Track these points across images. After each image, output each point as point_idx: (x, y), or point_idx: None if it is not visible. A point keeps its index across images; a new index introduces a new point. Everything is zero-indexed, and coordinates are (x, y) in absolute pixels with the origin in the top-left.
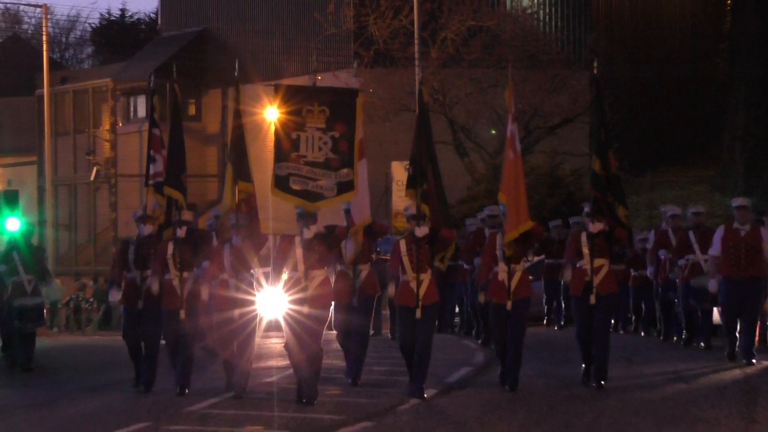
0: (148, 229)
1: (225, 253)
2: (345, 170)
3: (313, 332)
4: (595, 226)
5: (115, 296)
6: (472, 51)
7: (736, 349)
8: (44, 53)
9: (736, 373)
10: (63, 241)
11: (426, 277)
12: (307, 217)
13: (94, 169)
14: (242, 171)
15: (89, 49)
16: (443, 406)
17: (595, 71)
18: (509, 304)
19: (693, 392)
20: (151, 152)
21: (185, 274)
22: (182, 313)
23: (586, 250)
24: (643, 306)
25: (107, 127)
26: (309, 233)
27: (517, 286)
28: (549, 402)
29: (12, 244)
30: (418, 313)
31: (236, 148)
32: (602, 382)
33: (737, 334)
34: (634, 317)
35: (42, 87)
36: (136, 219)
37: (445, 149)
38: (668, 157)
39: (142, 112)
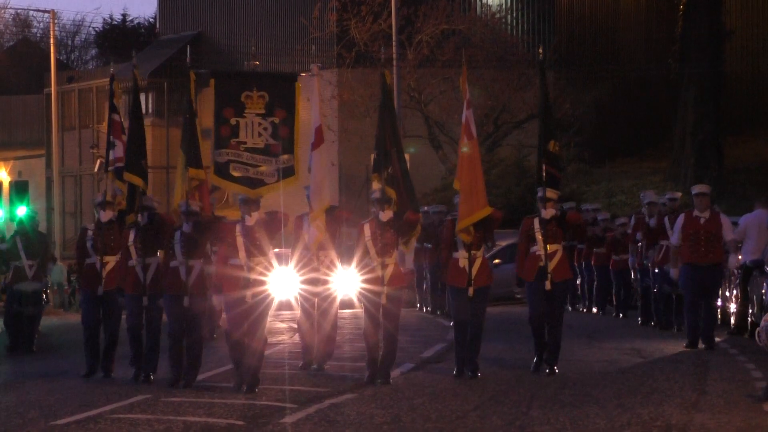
0: (106, 215)
1: (176, 240)
2: (285, 156)
3: (256, 318)
4: (548, 212)
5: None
6: (446, 52)
7: (698, 336)
8: (52, 55)
9: (689, 349)
10: (69, 228)
11: (391, 261)
12: (249, 204)
13: (98, 161)
14: (193, 158)
15: (93, 51)
16: (420, 378)
17: (540, 57)
18: (470, 291)
19: (649, 366)
20: (111, 138)
21: (147, 260)
22: (145, 300)
23: (539, 236)
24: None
25: None
26: (251, 220)
27: (478, 273)
28: (516, 375)
29: (19, 229)
30: (384, 298)
31: (188, 137)
32: (555, 369)
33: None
34: (615, 300)
35: (50, 86)
36: (95, 205)
37: (421, 142)
38: (625, 150)
39: (142, 109)
